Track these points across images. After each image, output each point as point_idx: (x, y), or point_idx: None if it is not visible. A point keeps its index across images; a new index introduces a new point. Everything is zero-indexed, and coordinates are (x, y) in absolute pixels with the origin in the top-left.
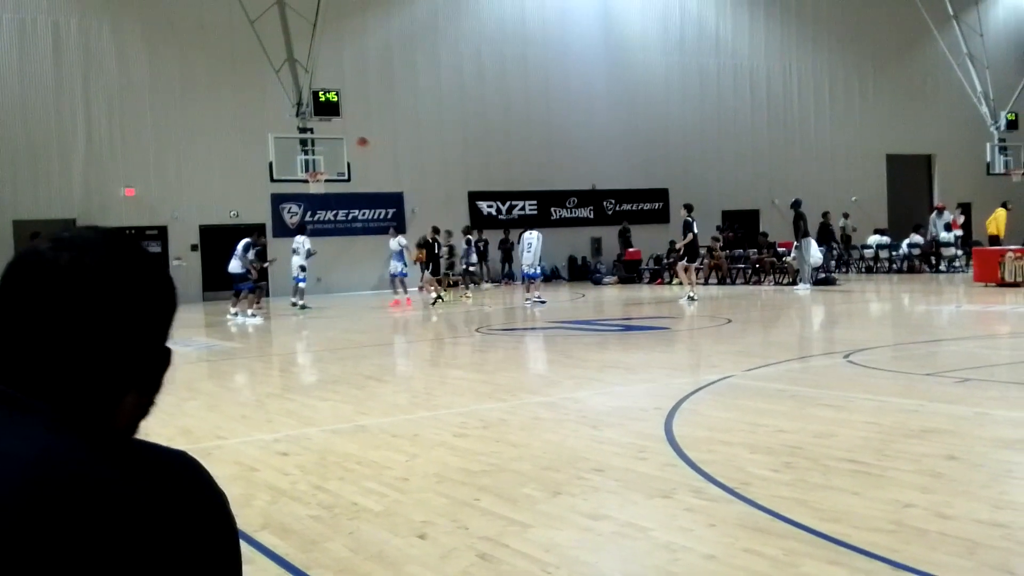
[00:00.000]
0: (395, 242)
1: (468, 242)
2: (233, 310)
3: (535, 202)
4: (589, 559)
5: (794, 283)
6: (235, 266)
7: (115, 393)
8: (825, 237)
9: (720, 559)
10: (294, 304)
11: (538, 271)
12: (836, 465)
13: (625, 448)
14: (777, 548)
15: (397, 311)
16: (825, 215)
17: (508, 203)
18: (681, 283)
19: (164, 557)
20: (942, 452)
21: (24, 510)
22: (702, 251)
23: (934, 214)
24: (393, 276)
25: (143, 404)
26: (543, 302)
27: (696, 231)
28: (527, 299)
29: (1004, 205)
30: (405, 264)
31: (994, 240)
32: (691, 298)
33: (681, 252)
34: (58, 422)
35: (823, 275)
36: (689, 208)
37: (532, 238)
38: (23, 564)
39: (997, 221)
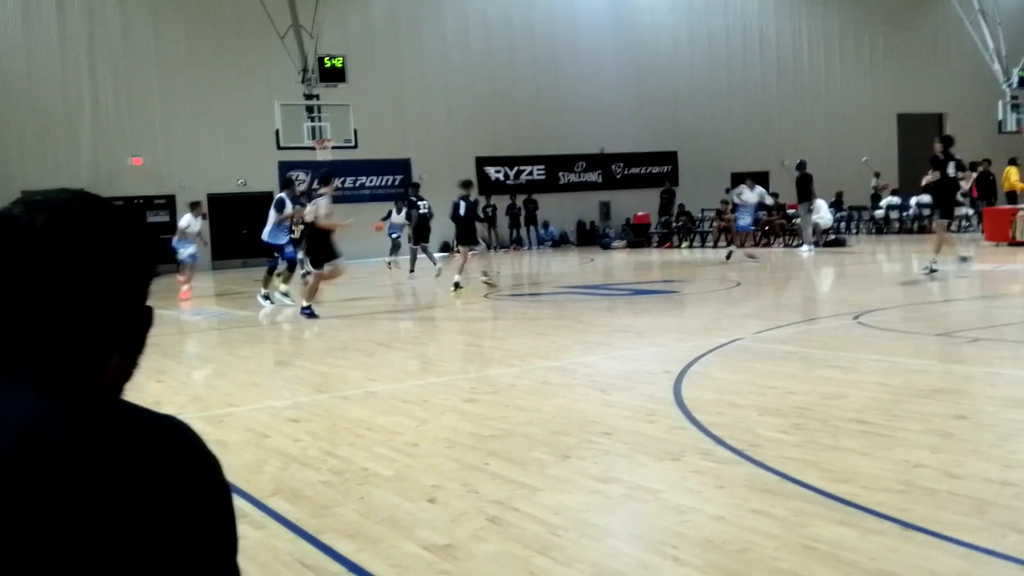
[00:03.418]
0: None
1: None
2: (263, 291)
3: (543, 167)
4: (598, 521)
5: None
6: (271, 233)
7: (99, 355)
8: (987, 191)
9: (729, 520)
10: (285, 295)
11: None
12: (845, 426)
13: (634, 411)
14: (786, 509)
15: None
16: (984, 163)
17: (516, 168)
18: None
19: (155, 521)
20: (952, 412)
21: (16, 475)
22: (710, 214)
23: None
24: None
25: (127, 365)
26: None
27: (954, 173)
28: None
29: (1013, 162)
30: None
31: (1011, 197)
32: (962, 260)
33: (930, 197)
34: (45, 386)
35: (832, 237)
36: (946, 141)
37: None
38: (14, 527)
39: (1010, 179)
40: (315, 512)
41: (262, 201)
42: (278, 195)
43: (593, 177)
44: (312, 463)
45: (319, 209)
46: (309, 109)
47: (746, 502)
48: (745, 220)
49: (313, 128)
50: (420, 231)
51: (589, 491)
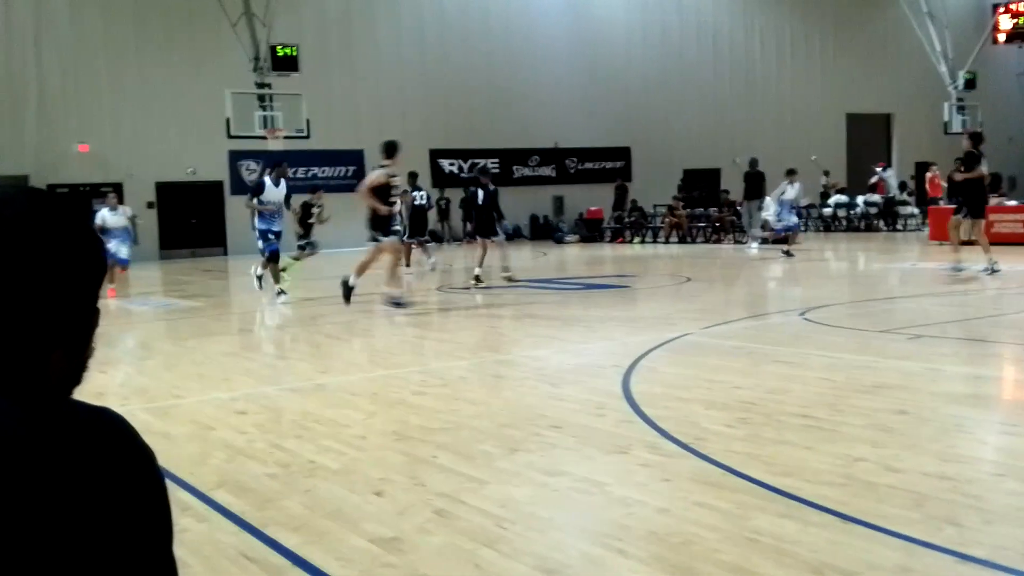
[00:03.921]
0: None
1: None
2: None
3: (497, 160)
4: (545, 514)
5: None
6: (259, 219)
7: (40, 353)
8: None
9: (673, 513)
10: (260, 277)
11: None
12: (789, 420)
13: (583, 405)
14: (729, 502)
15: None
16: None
17: (470, 161)
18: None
19: (88, 512)
20: (893, 407)
21: None
22: (662, 210)
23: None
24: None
25: (74, 366)
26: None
27: (986, 169)
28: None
29: None
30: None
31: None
32: (992, 269)
33: (960, 198)
34: None
35: (782, 234)
36: (976, 137)
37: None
38: None
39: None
40: (260, 505)
41: (211, 190)
42: (259, 179)
43: (547, 171)
44: (258, 456)
45: (366, 180)
46: (261, 98)
47: (691, 495)
48: (790, 218)
49: (265, 117)
50: (417, 223)
51: (536, 484)
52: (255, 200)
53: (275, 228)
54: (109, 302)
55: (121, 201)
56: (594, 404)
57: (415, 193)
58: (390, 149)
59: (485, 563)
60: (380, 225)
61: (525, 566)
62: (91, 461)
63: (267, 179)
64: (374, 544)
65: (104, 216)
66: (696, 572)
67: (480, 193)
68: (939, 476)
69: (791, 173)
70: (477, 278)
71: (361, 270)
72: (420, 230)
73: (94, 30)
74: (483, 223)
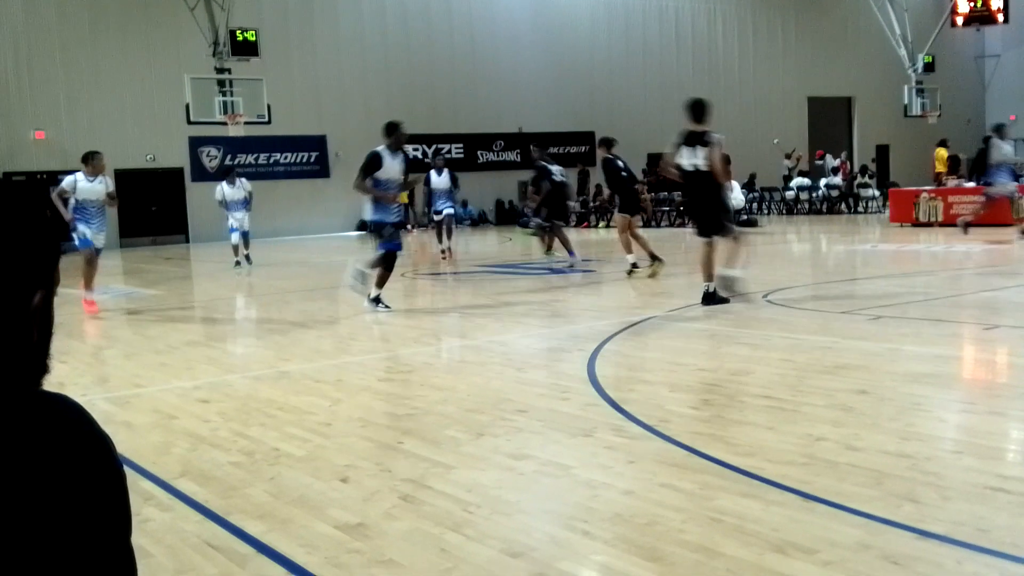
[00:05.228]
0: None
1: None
2: (373, 292)
3: (461, 145)
4: (511, 498)
5: None
6: (375, 208)
7: None
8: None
9: (638, 494)
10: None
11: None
12: (752, 401)
13: (549, 389)
14: (693, 483)
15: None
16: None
17: (434, 146)
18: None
19: (45, 502)
20: (854, 387)
21: None
22: None
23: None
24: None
25: (36, 356)
26: None
27: None
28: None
29: (943, 143)
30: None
31: (939, 179)
32: None
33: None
34: None
35: (744, 217)
36: None
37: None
38: None
39: (940, 160)
40: (224, 493)
41: (172, 177)
42: (373, 150)
43: (511, 156)
44: (222, 444)
45: (713, 152)
46: (220, 83)
47: (655, 476)
48: (1007, 183)
49: (225, 103)
50: (557, 205)
51: (502, 468)
52: (369, 180)
53: (392, 219)
54: (70, 291)
55: None
56: (559, 388)
57: (552, 168)
58: (702, 110)
59: (451, 547)
60: (727, 210)
61: (491, 549)
62: (48, 449)
63: (382, 149)
64: (339, 530)
65: (78, 182)
66: (661, 552)
67: (619, 163)
68: (898, 454)
69: (999, 129)
70: (654, 259)
71: (731, 261)
72: (560, 214)
73: (48, 14)
74: (631, 199)
